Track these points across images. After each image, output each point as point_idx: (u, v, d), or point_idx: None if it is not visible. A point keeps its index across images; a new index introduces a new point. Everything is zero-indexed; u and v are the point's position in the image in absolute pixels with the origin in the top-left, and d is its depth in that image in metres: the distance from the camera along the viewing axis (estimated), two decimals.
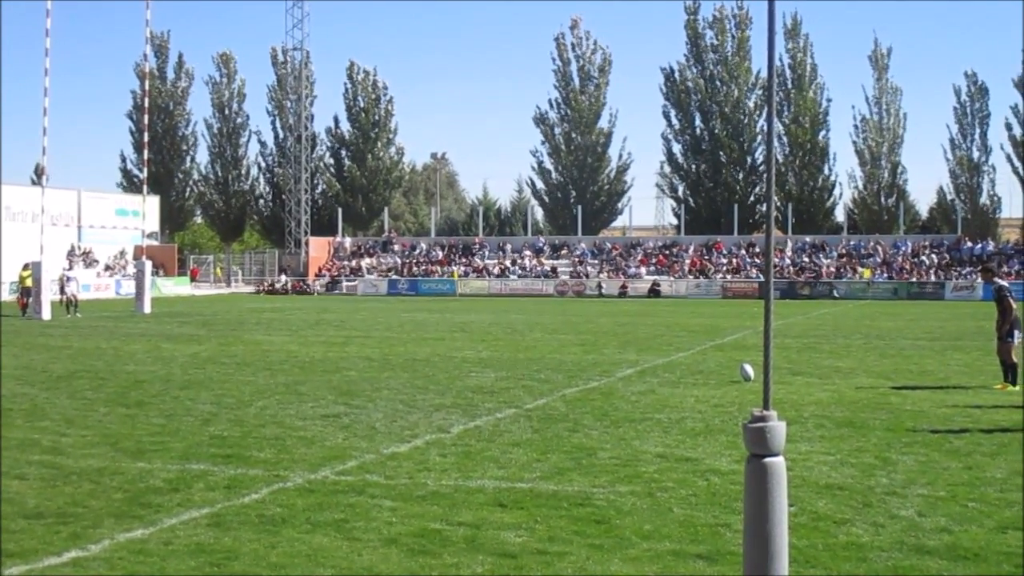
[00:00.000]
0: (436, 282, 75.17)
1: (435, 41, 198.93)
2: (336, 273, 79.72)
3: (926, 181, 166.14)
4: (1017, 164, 78.67)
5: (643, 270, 74.15)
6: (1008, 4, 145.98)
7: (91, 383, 18.47)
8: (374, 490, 9.84)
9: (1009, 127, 79.11)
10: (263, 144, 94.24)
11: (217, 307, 51.69)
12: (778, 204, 79.06)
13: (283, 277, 79.30)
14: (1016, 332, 18.04)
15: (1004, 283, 18.80)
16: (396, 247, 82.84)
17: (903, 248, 72.31)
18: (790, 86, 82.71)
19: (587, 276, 74.05)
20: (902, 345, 27.67)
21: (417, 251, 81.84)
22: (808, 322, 38.72)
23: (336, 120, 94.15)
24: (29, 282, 42.45)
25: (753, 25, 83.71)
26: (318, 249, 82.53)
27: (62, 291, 43.50)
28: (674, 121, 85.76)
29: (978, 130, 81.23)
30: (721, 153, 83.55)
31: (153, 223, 76.80)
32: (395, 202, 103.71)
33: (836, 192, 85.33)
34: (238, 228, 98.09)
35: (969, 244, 71.66)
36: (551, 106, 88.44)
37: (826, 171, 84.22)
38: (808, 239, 75.63)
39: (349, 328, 34.40)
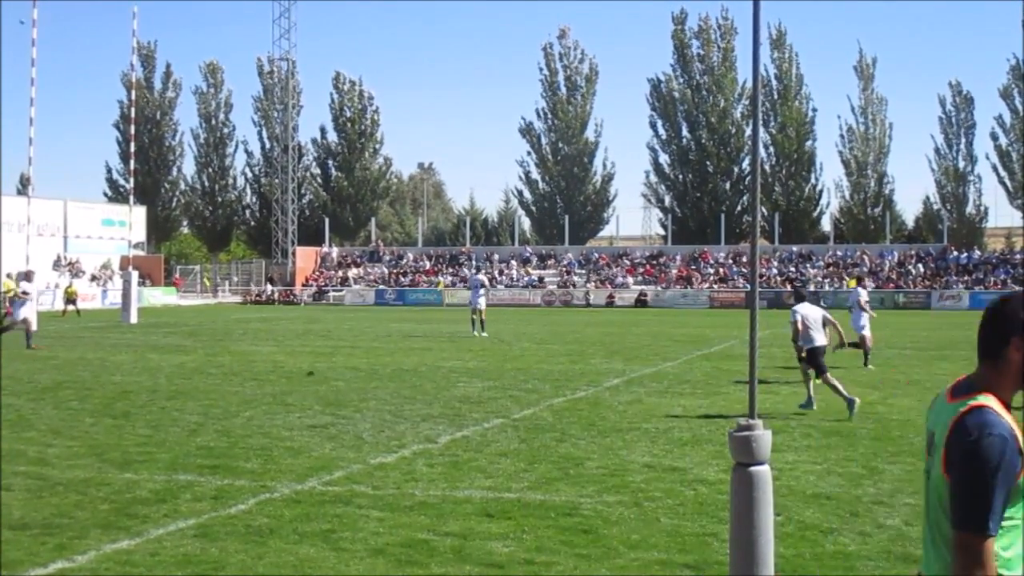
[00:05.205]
0: (423, 292, 75.13)
1: (421, 51, 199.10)
2: (323, 283, 79.65)
3: (912, 191, 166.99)
4: (1003, 173, 79.05)
5: (630, 280, 74.23)
6: (993, 14, 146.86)
7: (77, 393, 18.39)
8: (361, 500, 9.83)
9: (995, 137, 79.56)
10: (250, 154, 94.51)
11: (204, 317, 51.56)
12: (764, 214, 79.23)
13: (270, 287, 79.21)
14: None
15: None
16: (383, 257, 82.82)
17: (889, 258, 72.49)
18: (776, 96, 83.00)
19: (574, 286, 74.10)
20: (888, 355, 27.71)
21: (404, 261, 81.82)
22: None
23: (323, 130, 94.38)
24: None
25: (739, 35, 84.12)
26: (305, 259, 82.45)
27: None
28: (660, 131, 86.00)
29: (963, 140, 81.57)
30: (708, 163, 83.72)
31: (139, 233, 76.64)
32: (382, 212, 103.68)
33: (823, 202, 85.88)
34: (225, 238, 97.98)
35: (955, 253, 71.90)
36: (538, 116, 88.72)
37: (812, 181, 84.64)
38: (795, 248, 75.81)
39: (336, 338, 34.35)
